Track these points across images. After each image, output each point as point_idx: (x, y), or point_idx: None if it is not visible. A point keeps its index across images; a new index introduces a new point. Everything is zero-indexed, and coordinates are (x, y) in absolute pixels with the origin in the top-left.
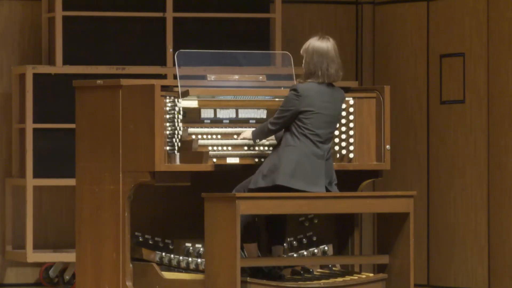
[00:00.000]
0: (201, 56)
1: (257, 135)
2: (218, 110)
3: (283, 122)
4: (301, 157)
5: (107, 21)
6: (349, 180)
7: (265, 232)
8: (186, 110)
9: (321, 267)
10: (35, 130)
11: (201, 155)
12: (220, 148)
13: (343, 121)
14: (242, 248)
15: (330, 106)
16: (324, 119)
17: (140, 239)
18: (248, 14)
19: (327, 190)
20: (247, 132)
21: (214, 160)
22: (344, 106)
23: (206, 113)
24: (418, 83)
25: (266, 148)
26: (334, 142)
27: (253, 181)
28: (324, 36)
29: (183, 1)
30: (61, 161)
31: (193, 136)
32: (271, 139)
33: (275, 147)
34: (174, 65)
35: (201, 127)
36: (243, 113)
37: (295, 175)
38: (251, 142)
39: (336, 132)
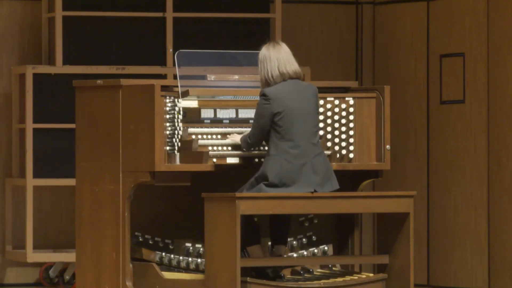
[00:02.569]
0: (201, 56)
1: (243, 144)
2: (218, 110)
3: (260, 130)
4: (282, 165)
5: (107, 21)
6: (349, 180)
7: (269, 231)
8: (186, 110)
9: (321, 267)
10: (35, 130)
11: (201, 155)
12: (220, 148)
13: (343, 121)
14: (245, 251)
15: (300, 102)
16: (297, 116)
17: (140, 239)
18: (248, 14)
19: (315, 191)
20: (236, 137)
21: (214, 160)
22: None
23: (206, 113)
24: (418, 83)
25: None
26: (334, 142)
27: (246, 190)
28: (271, 41)
29: (183, 1)
30: (61, 161)
31: (193, 136)
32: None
33: (264, 156)
34: (174, 65)
35: (201, 127)
36: (243, 113)
37: (280, 185)
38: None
39: (336, 132)
